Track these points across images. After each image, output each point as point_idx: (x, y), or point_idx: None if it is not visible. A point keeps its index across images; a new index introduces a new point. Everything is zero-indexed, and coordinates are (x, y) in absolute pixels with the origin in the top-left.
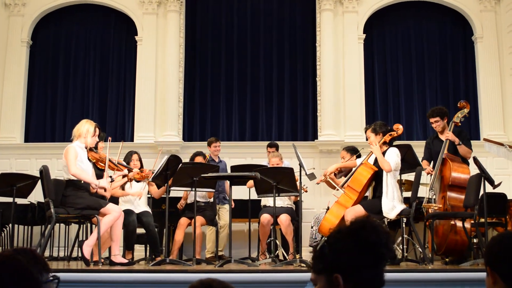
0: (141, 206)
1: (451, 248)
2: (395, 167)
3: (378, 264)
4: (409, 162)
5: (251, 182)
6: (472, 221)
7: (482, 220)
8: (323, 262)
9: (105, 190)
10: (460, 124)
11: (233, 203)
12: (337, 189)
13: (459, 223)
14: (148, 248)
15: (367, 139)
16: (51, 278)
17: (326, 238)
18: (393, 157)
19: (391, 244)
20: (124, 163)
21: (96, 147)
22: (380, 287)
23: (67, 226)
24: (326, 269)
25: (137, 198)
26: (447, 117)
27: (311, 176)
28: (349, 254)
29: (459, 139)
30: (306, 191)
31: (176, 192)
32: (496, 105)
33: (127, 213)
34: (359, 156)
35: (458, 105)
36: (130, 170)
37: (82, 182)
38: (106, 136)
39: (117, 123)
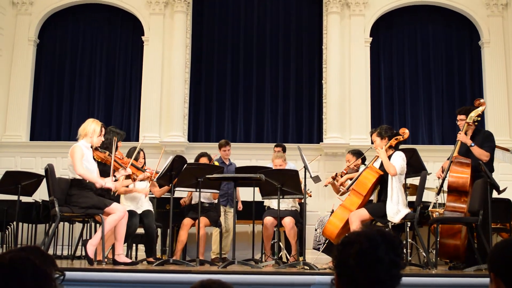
0: (144, 205)
1: (449, 252)
2: (401, 171)
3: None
4: (414, 166)
5: None
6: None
7: None
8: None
9: (110, 190)
10: (472, 124)
11: (241, 205)
12: (341, 193)
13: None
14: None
15: (372, 143)
16: (58, 274)
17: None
18: (399, 160)
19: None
20: (139, 166)
21: (103, 146)
22: None
23: (71, 225)
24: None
25: (142, 195)
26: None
27: (316, 179)
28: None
29: (479, 141)
30: (311, 196)
31: (180, 192)
32: (502, 110)
33: (130, 214)
34: (364, 159)
35: (474, 103)
36: (141, 172)
37: (87, 181)
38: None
39: (123, 123)
